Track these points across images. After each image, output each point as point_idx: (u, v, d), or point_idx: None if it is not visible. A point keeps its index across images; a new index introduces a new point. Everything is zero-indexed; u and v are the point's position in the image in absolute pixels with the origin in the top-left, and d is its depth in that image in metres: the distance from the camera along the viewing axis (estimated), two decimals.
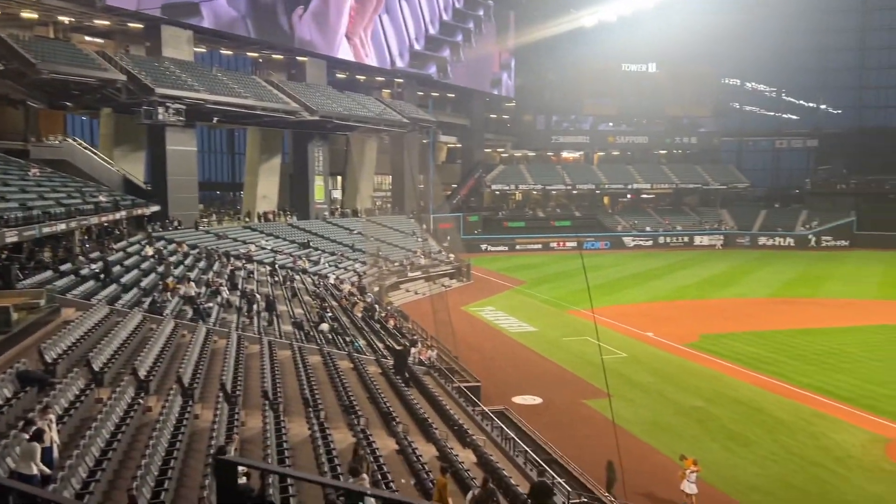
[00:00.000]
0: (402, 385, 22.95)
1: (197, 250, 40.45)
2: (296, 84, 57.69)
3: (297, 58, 59.96)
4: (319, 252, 52.31)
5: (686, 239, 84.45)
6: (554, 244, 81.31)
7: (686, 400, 27.42)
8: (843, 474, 20.57)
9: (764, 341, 36.49)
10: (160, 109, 42.02)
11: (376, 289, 48.26)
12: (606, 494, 18.32)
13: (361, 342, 29.46)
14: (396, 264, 56.65)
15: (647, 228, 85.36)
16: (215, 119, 50.28)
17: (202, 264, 37.56)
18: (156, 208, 42.81)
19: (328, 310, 33.19)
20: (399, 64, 68.44)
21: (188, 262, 37.09)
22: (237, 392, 17.03)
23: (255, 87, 52.18)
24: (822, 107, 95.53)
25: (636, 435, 23.63)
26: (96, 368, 15.84)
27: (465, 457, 17.47)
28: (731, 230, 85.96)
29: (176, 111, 42.88)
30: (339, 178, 73.60)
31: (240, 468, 10.83)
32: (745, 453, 22.21)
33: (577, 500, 17.13)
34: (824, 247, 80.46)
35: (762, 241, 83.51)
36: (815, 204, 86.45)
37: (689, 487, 18.82)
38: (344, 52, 61.59)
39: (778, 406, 26.47)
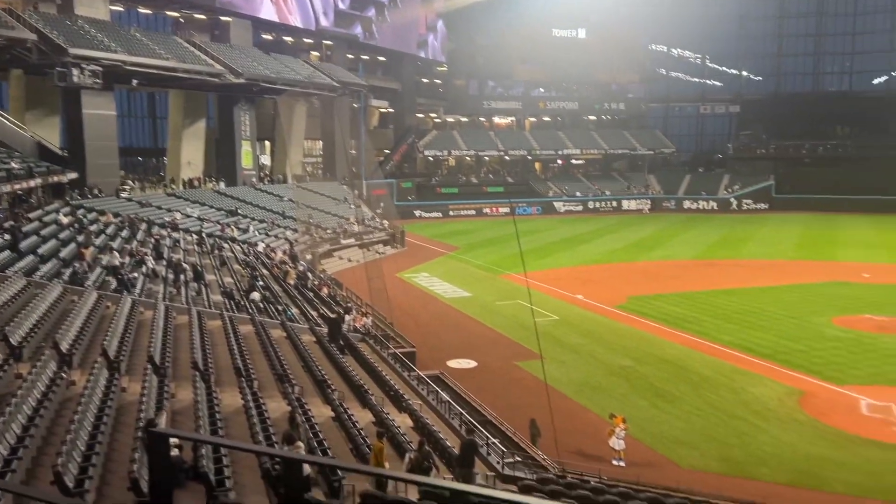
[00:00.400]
0: (337, 353, 22.86)
1: (119, 219, 38.98)
2: (220, 45, 55.73)
3: (221, 18, 57.83)
4: (248, 220, 51.20)
5: (615, 204, 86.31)
6: (487, 210, 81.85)
7: (615, 360, 28.24)
8: (761, 426, 21.64)
9: (688, 302, 37.82)
10: (75, 71, 39.94)
11: (309, 257, 47.66)
12: (539, 453, 18.79)
13: (294, 311, 29.12)
14: (329, 232, 56.00)
15: (578, 194, 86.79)
16: (135, 82, 48.18)
17: (125, 233, 36.24)
18: (73, 175, 40.94)
19: (259, 278, 32.61)
20: (323, 22, 66.94)
21: (110, 230, 35.72)
22: (166, 364, 16.60)
23: (176, 48, 50.14)
24: (744, 73, 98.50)
25: (567, 395, 24.23)
26: (14, 343, 15.14)
27: (402, 421, 17.59)
28: (657, 195, 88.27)
29: (92, 73, 40.85)
30: (268, 143, 71.87)
31: (171, 440, 10.58)
32: (670, 409, 23.09)
33: (511, 460, 17.52)
34: (745, 210, 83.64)
35: (687, 204, 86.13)
36: (736, 168, 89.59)
37: (618, 444, 19.48)
38: (267, 12, 59.72)
39: (702, 363, 27.57)
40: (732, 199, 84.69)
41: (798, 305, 36.65)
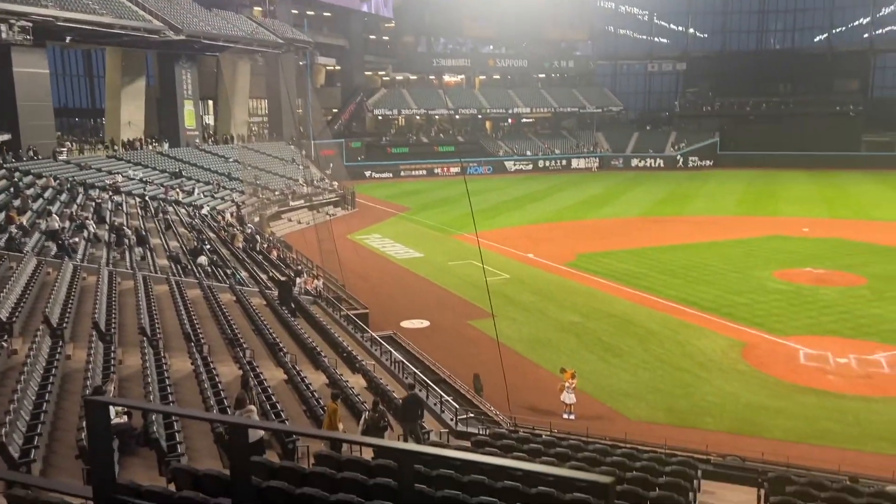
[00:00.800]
0: (289, 315, 22.71)
1: (58, 182, 37.63)
2: (158, 0, 53.55)
3: None
4: (193, 182, 50.00)
5: (564, 162, 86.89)
6: (438, 170, 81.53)
7: (565, 316, 28.72)
8: (704, 377, 22.37)
9: (635, 258, 38.56)
10: (2, 27, 37.90)
11: (256, 219, 46.94)
12: (492, 408, 19.11)
13: (243, 274, 28.74)
14: (277, 193, 55.13)
15: (528, 152, 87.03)
16: (68, 38, 46.02)
17: (64, 196, 35.03)
18: (6, 137, 39.28)
19: (206, 242, 32.01)
20: None
21: (48, 194, 34.46)
22: (112, 330, 16.25)
23: (112, 3, 47.95)
24: (691, 31, 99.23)
25: (519, 351, 24.60)
26: None
27: (355, 382, 17.67)
28: (605, 153, 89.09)
29: (22, 29, 38.85)
30: (211, 102, 69.88)
31: (121, 407, 10.39)
32: (618, 363, 23.66)
33: (465, 416, 17.80)
34: (691, 167, 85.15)
35: (634, 162, 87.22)
36: (682, 126, 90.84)
37: (568, 398, 19.91)
38: None
39: (648, 318, 28.24)
40: (679, 157, 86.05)
41: (741, 260, 37.72)
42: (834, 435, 18.37)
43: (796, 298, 30.40)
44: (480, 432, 16.05)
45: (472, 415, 18.19)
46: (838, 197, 60.62)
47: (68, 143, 49.70)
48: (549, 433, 16.41)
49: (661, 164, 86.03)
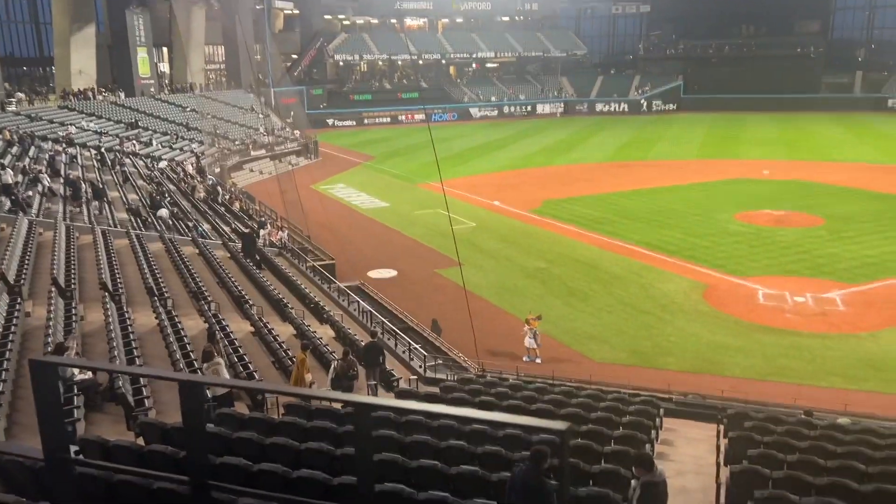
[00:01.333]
0: (254, 268, 22.52)
1: (11, 134, 36.31)
2: None
3: None
4: (150, 132, 48.70)
5: (529, 108, 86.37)
6: (402, 117, 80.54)
7: (531, 263, 28.96)
8: (667, 319, 22.85)
9: (600, 203, 38.85)
10: None
11: (217, 170, 46.06)
12: (459, 355, 19.34)
13: (206, 227, 28.31)
14: (237, 143, 54.02)
15: (493, 98, 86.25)
16: None
17: (15, 149, 33.85)
18: None
19: (166, 194, 31.37)
20: None
21: None
22: (72, 286, 15.94)
23: None
24: None
25: (486, 298, 24.80)
26: None
27: (324, 332, 17.70)
28: (570, 98, 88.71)
29: None
30: (166, 49, 67.63)
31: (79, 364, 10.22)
32: (583, 307, 24.03)
33: (433, 363, 18.00)
34: (655, 111, 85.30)
35: (599, 107, 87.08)
36: (646, 69, 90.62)
37: (530, 342, 20.22)
38: None
39: (612, 262, 28.63)
40: (643, 101, 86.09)
41: (703, 203, 38.25)
42: (791, 371, 18.99)
43: (756, 240, 31.03)
44: (449, 378, 16.25)
45: (440, 361, 18.41)
46: (798, 139, 61.46)
47: (19, 93, 47.84)
48: (515, 377, 16.69)
49: (626, 109, 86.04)
